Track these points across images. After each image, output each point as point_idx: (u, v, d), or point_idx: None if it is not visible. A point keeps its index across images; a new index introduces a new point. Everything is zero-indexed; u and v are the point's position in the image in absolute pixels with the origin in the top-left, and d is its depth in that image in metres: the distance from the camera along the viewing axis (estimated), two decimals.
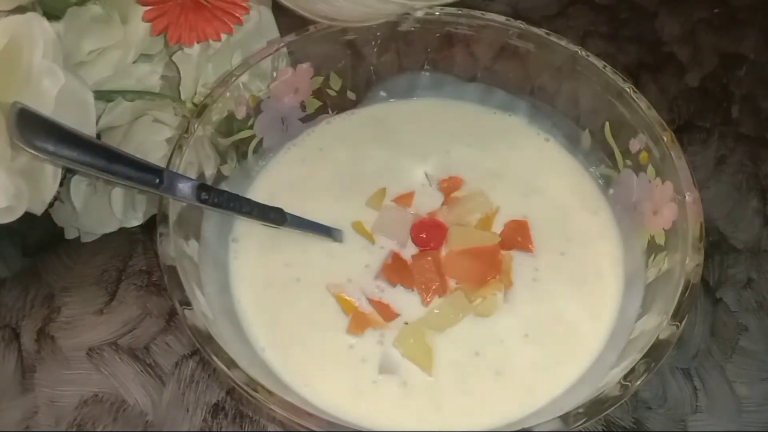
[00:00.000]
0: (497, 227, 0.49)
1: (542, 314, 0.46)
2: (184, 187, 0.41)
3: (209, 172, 0.47)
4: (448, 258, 0.47)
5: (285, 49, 0.50)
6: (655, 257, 0.45)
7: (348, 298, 0.46)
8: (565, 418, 0.36)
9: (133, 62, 0.48)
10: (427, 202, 0.50)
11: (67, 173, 0.48)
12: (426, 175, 0.52)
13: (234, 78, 0.48)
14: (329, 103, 0.54)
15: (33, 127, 0.35)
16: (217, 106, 0.47)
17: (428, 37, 0.52)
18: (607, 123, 0.50)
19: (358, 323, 0.45)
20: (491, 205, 0.50)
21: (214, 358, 0.37)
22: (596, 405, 0.36)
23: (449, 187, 0.51)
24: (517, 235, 0.49)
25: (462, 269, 0.47)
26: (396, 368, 0.44)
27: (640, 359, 0.38)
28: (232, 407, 0.47)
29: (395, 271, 0.47)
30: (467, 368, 0.44)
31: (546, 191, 0.51)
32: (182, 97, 0.49)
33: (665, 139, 0.45)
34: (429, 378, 0.43)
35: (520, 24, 0.51)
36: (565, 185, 0.52)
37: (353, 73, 0.53)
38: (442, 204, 0.50)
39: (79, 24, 0.45)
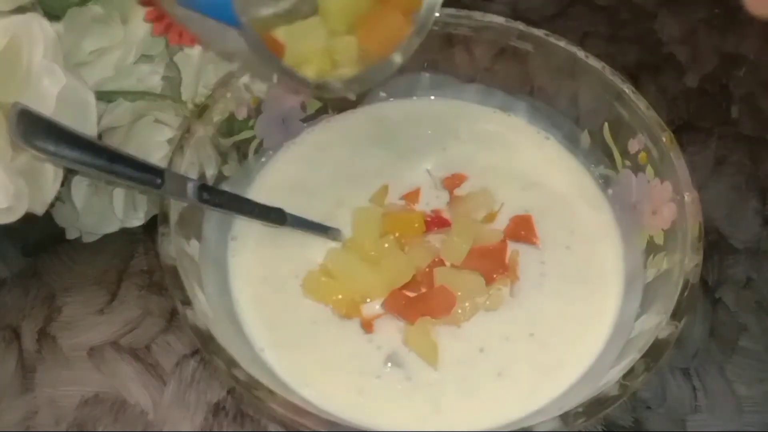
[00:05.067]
0: (500, 224, 0.49)
1: (547, 312, 0.46)
2: (186, 188, 0.41)
3: (210, 173, 0.47)
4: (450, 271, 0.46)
5: None
6: (654, 257, 0.45)
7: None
8: (564, 417, 0.36)
9: (134, 62, 0.48)
10: (433, 201, 0.51)
11: (68, 173, 0.48)
12: (428, 172, 0.52)
13: (235, 79, 0.48)
14: (329, 104, 0.54)
15: (34, 127, 0.35)
16: (218, 106, 0.47)
17: (428, 38, 0.52)
18: (606, 123, 0.50)
19: (356, 319, 0.45)
20: (495, 202, 0.50)
21: (215, 357, 0.38)
22: (596, 404, 0.37)
23: (452, 183, 0.51)
24: (521, 229, 0.49)
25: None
26: (401, 363, 0.43)
27: (640, 359, 0.38)
28: (232, 407, 0.47)
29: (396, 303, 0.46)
30: (471, 366, 0.43)
31: (546, 189, 0.51)
32: (183, 98, 0.49)
33: (664, 139, 0.45)
34: (432, 375, 0.43)
35: (519, 25, 0.51)
36: (566, 184, 0.52)
37: None
38: (447, 203, 0.50)
39: (79, 24, 0.45)
